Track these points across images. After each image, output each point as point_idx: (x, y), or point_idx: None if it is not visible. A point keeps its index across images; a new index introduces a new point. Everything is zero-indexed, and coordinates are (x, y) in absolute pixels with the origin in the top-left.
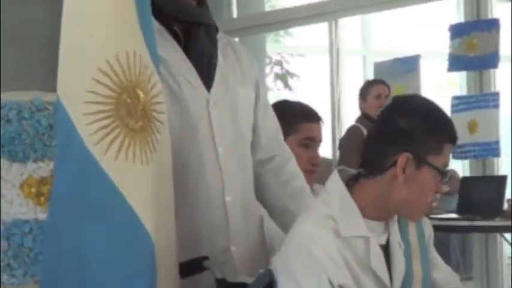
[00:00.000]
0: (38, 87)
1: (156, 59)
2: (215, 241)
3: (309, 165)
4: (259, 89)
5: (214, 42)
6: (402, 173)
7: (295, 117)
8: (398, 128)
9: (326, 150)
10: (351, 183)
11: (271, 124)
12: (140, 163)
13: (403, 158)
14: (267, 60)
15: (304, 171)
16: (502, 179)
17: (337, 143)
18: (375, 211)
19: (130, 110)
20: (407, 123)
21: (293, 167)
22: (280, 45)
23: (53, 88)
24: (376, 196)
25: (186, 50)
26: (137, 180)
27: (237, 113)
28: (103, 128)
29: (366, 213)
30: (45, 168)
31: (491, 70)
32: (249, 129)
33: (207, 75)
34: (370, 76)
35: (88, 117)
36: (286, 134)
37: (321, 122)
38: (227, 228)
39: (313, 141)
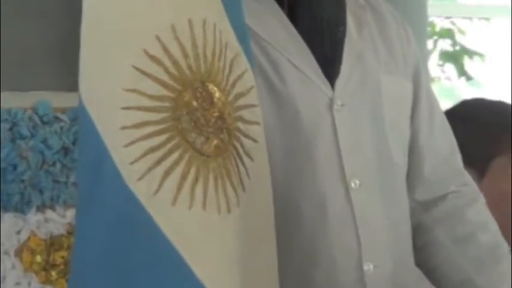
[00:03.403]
0: (44, 84)
1: (243, 33)
2: None
3: None
4: (419, 80)
5: (340, 2)
6: None
7: (504, 128)
8: None
9: None
10: None
11: (442, 139)
12: (216, 211)
13: None
14: (429, 30)
15: None
16: None
17: None
18: None
19: (197, 120)
20: None
21: (479, 213)
22: (450, 3)
23: (69, 86)
24: None
25: (293, 16)
26: (211, 240)
27: (382, 122)
28: (152, 150)
29: None
30: (57, 222)
31: None
32: (403, 148)
33: (329, 57)
34: None
35: (128, 133)
36: (488, 155)
37: None
38: None
39: None
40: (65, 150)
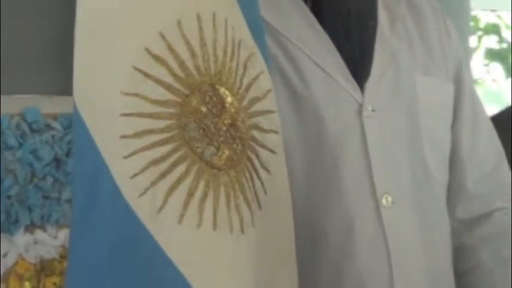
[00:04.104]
0: (34, 87)
1: (259, 29)
2: None
3: None
4: (462, 81)
5: None
6: None
7: None
8: None
9: None
10: None
11: (487, 149)
12: (229, 231)
13: None
14: (472, 25)
15: None
16: None
17: None
18: None
19: (207, 128)
20: None
21: None
22: None
23: (62, 89)
24: None
25: (317, 10)
26: (223, 265)
27: (419, 129)
28: (156, 162)
29: None
30: (48, 244)
31: None
32: (442, 160)
33: (358, 56)
34: None
35: (128, 142)
36: None
37: None
38: None
39: None
40: (57, 162)
